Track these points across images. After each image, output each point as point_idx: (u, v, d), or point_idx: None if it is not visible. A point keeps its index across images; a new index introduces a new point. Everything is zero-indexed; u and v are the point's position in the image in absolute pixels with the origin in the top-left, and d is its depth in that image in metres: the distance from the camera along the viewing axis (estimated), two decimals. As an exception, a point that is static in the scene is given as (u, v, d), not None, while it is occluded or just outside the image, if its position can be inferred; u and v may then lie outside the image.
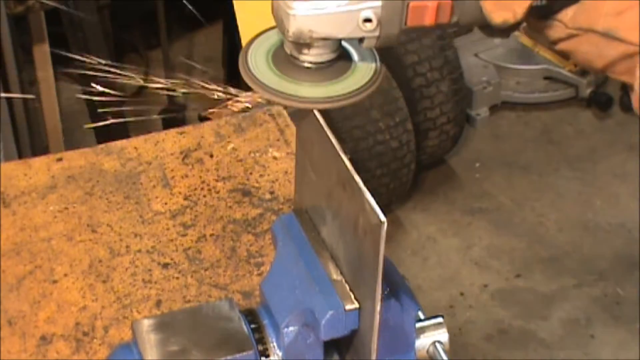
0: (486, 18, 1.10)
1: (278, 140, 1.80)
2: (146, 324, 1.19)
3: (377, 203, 1.05)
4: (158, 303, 1.50)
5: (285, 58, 1.14)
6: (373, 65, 1.15)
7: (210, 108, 3.66)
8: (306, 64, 1.12)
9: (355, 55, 1.16)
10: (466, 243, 3.54)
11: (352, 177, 1.09)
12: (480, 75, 4.06)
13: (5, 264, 1.56)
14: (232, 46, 3.89)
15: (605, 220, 3.62)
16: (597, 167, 3.88)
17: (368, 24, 1.07)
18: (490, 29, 1.12)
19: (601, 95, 4.09)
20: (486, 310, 3.27)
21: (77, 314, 1.48)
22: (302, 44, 1.10)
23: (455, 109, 3.66)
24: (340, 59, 1.14)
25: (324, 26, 1.08)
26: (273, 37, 1.17)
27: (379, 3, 1.07)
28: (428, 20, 1.08)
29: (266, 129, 1.83)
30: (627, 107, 4.14)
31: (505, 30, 1.13)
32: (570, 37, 1.11)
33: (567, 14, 1.10)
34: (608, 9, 1.08)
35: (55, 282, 1.53)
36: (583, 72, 4.06)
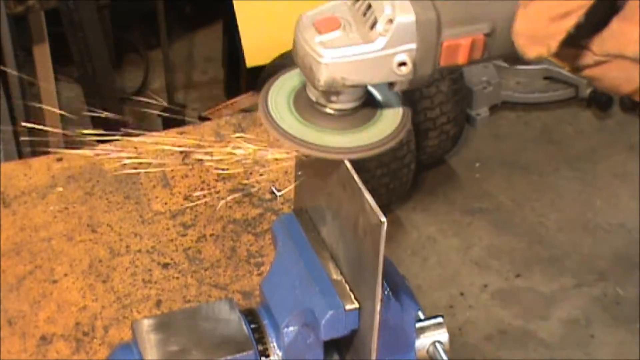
0: (519, 53, 1.07)
1: (278, 140, 1.80)
2: (146, 324, 1.19)
3: (377, 203, 1.05)
4: (158, 303, 1.50)
5: (307, 104, 1.09)
6: (399, 109, 1.12)
7: (210, 108, 3.65)
8: (334, 112, 1.08)
9: (378, 96, 1.12)
10: (466, 243, 3.54)
11: (352, 177, 1.09)
12: (480, 75, 4.06)
13: (5, 264, 1.56)
14: (232, 46, 3.89)
15: (605, 220, 3.62)
16: (597, 167, 3.88)
17: (403, 68, 1.02)
18: (516, 60, 1.11)
19: (601, 95, 4.09)
20: (486, 310, 3.27)
21: (77, 314, 1.48)
22: (332, 92, 1.05)
23: (455, 109, 3.66)
24: (367, 103, 1.10)
25: (357, 73, 1.02)
26: (291, 80, 1.13)
27: (414, 46, 1.02)
28: (461, 59, 1.04)
29: (266, 129, 1.83)
30: (627, 107, 4.14)
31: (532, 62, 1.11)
32: (598, 63, 1.10)
33: (595, 41, 1.08)
34: (637, 33, 1.07)
35: (55, 282, 1.53)
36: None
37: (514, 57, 1.09)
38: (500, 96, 4.13)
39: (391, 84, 1.06)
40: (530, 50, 1.07)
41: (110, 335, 1.45)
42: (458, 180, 3.86)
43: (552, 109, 4.17)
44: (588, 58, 1.10)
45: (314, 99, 1.08)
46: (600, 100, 4.10)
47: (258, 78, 3.67)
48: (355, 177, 1.08)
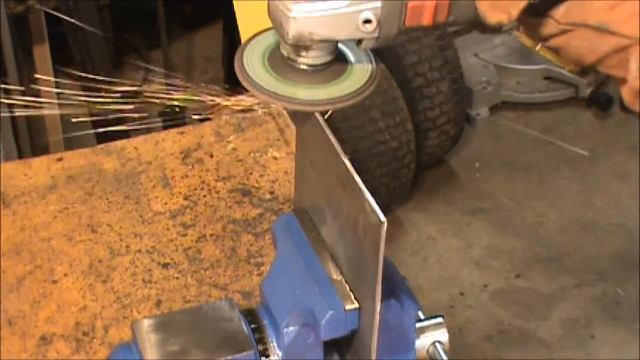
0: (481, 18, 1.10)
1: (278, 140, 1.80)
2: (146, 324, 1.19)
3: (377, 203, 1.05)
4: (158, 303, 1.50)
5: (281, 60, 1.13)
6: (369, 66, 1.15)
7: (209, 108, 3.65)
8: (303, 66, 1.12)
9: (350, 56, 1.15)
10: (466, 243, 3.54)
11: (352, 177, 1.09)
12: (480, 75, 4.06)
13: (5, 264, 1.56)
14: (232, 46, 3.89)
15: (605, 220, 3.62)
16: (597, 167, 3.88)
17: (368, 25, 1.07)
18: (484, 27, 1.13)
19: (601, 95, 4.09)
20: (486, 310, 3.27)
21: (77, 314, 1.48)
22: (301, 46, 1.09)
23: (455, 109, 3.66)
24: (336, 60, 1.14)
25: (324, 28, 1.07)
26: (268, 39, 1.16)
27: (379, 4, 1.06)
28: (426, 20, 1.08)
29: (266, 129, 1.83)
30: (627, 107, 4.13)
31: (499, 29, 1.13)
32: (562, 32, 1.12)
33: (559, 10, 1.11)
34: (601, 3, 1.09)
35: (55, 282, 1.53)
36: (583, 72, 4.06)
37: (478, 23, 1.12)
38: (500, 96, 4.13)
39: (359, 42, 1.10)
40: (491, 15, 1.10)
41: (110, 335, 1.45)
42: (458, 180, 3.86)
43: (552, 109, 4.17)
44: (552, 27, 1.12)
45: (285, 54, 1.12)
46: (600, 100, 4.10)
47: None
48: (355, 177, 1.08)
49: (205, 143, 1.81)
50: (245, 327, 1.18)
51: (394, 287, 1.17)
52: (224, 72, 4.15)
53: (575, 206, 3.69)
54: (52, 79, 3.27)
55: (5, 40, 2.94)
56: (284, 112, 1.86)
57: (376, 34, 1.08)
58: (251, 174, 1.74)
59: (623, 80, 1.12)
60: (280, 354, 1.17)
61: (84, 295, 1.51)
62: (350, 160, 1.11)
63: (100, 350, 1.43)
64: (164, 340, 1.17)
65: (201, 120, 1.87)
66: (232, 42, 3.89)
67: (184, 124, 1.82)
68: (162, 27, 3.80)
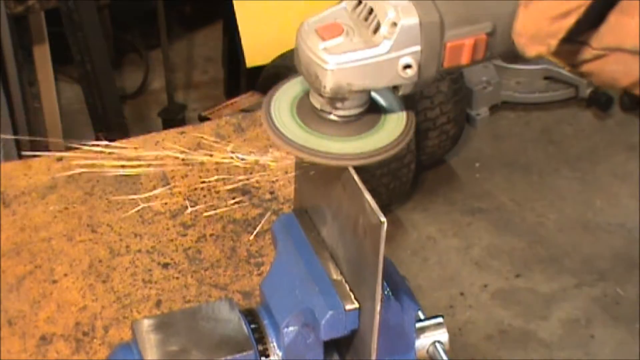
0: (519, 52, 1.07)
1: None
2: (146, 324, 1.19)
3: (377, 203, 1.05)
4: (158, 303, 1.50)
5: (311, 111, 1.09)
6: (403, 113, 1.11)
7: (210, 108, 3.65)
8: (336, 118, 1.08)
9: (382, 102, 1.11)
10: (466, 243, 3.54)
11: (352, 177, 1.09)
12: (480, 75, 4.06)
13: (5, 264, 1.56)
14: (232, 46, 3.90)
15: (605, 220, 3.62)
16: (597, 167, 3.88)
17: (409, 71, 1.02)
18: (514, 58, 1.11)
19: (601, 95, 4.09)
20: (486, 310, 3.27)
21: (77, 314, 1.48)
22: (337, 98, 1.05)
23: (455, 109, 3.66)
24: (369, 110, 1.10)
25: (363, 78, 1.02)
26: (293, 88, 1.12)
27: (419, 48, 1.01)
28: (464, 59, 1.04)
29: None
30: (627, 107, 4.14)
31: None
32: (596, 58, 1.11)
33: (593, 36, 1.09)
34: (636, 26, 1.08)
35: (55, 282, 1.53)
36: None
37: (513, 55, 1.10)
38: (500, 96, 4.13)
39: (395, 88, 1.05)
40: (530, 49, 1.07)
41: (110, 335, 1.45)
42: (458, 180, 3.86)
43: (552, 109, 4.17)
44: (586, 53, 1.11)
45: (318, 106, 1.08)
46: (600, 100, 4.10)
47: (258, 78, 3.67)
48: (355, 177, 1.08)
49: (205, 143, 1.81)
50: (245, 327, 1.18)
51: (394, 287, 1.17)
52: (224, 72, 4.15)
53: (575, 206, 3.69)
54: (52, 78, 3.28)
55: (5, 40, 2.94)
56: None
57: (415, 79, 1.03)
58: (251, 174, 1.74)
59: None
60: (280, 354, 1.17)
61: (84, 295, 1.51)
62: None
63: (100, 350, 1.43)
64: (164, 340, 1.17)
65: (201, 120, 1.87)
66: (232, 42, 3.89)
67: (184, 124, 1.82)
68: (162, 27, 3.81)
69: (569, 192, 3.76)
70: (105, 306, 1.49)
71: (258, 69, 3.70)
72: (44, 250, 1.59)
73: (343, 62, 1.01)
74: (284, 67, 3.49)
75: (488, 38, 1.05)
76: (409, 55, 1.01)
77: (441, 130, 3.65)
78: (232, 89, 3.98)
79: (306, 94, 1.10)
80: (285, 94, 1.13)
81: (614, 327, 3.21)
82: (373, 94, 1.10)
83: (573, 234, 3.56)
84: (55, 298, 1.51)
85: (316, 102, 1.08)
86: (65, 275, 1.54)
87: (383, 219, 1.03)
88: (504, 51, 1.08)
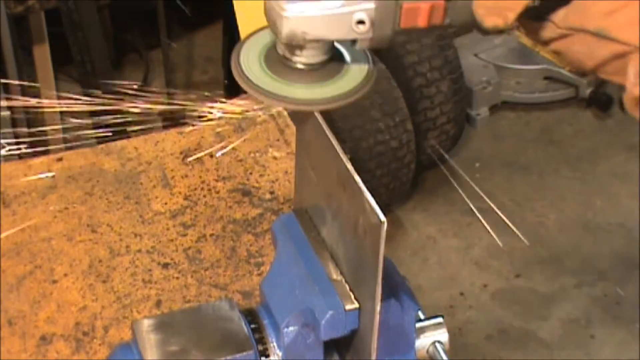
0: (477, 22, 1.10)
1: (278, 140, 1.80)
2: (146, 324, 1.19)
3: (377, 203, 1.05)
4: (158, 303, 1.50)
5: (278, 59, 1.13)
6: (366, 65, 1.15)
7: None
8: (299, 66, 1.12)
9: (347, 56, 1.15)
10: (466, 243, 3.54)
11: (352, 177, 1.09)
12: (480, 75, 4.06)
13: (5, 264, 1.56)
14: (232, 46, 3.89)
15: (605, 220, 3.62)
16: (597, 167, 3.88)
17: (361, 26, 1.06)
18: (482, 29, 1.13)
19: (601, 95, 4.09)
20: (486, 310, 3.27)
21: (77, 314, 1.48)
22: (295, 45, 1.09)
23: (455, 109, 3.66)
24: (333, 60, 1.14)
25: (317, 28, 1.07)
26: (265, 38, 1.16)
27: (372, 5, 1.06)
28: (421, 21, 1.08)
29: (266, 129, 1.83)
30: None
31: (496, 32, 1.13)
32: (561, 37, 1.11)
33: (559, 14, 1.10)
34: (599, 8, 1.08)
35: (55, 282, 1.53)
36: (583, 72, 4.05)
37: (475, 26, 1.11)
38: (500, 96, 4.13)
39: (354, 42, 1.09)
40: (488, 20, 1.09)
41: (110, 335, 1.45)
42: (458, 181, 3.86)
43: (552, 109, 4.17)
44: (552, 31, 1.12)
45: (281, 53, 1.12)
46: (600, 100, 4.10)
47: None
48: (356, 177, 1.08)
49: (205, 143, 1.81)
50: (245, 327, 1.18)
51: (394, 287, 1.17)
52: (224, 72, 4.15)
53: (575, 206, 3.69)
54: (52, 78, 3.28)
55: (5, 40, 2.94)
56: (284, 112, 1.86)
57: (370, 35, 1.07)
58: (251, 174, 1.74)
59: (623, 87, 1.12)
60: (280, 354, 1.17)
61: (84, 295, 1.51)
62: (350, 160, 1.11)
63: (100, 350, 1.43)
64: (164, 340, 1.17)
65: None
66: (232, 42, 3.89)
67: (184, 124, 1.83)
68: (162, 27, 3.80)
69: (569, 192, 3.76)
70: (105, 306, 1.49)
71: (258, 69, 3.69)
72: (44, 250, 1.59)
73: (299, 11, 1.06)
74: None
75: (446, 4, 1.07)
76: (362, 11, 1.05)
77: (441, 130, 3.65)
78: (232, 89, 3.97)
79: (274, 44, 1.14)
80: (255, 44, 1.17)
81: (614, 327, 3.21)
82: (337, 45, 1.14)
83: (573, 234, 3.56)
84: (55, 298, 1.51)
85: (280, 49, 1.13)
86: (65, 275, 1.54)
87: (383, 219, 1.03)
88: (465, 20, 1.11)
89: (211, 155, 1.79)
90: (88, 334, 1.45)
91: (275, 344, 1.17)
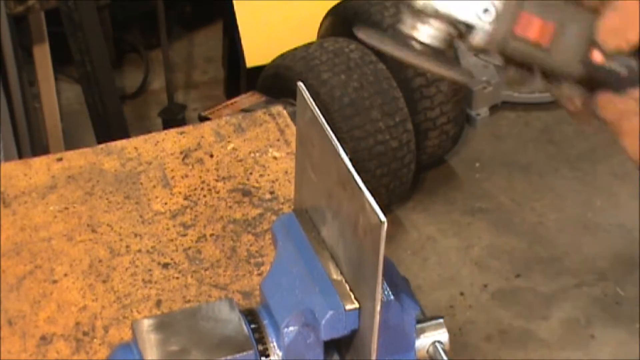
0: (598, 43, 1.15)
1: (278, 140, 1.80)
2: (146, 324, 1.19)
3: (377, 203, 1.05)
4: (158, 303, 1.50)
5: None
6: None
7: (210, 108, 3.66)
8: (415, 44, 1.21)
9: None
10: (466, 243, 3.54)
11: (352, 177, 1.09)
12: (480, 75, 4.06)
13: (5, 264, 1.56)
14: (232, 46, 3.89)
15: (605, 220, 3.62)
16: (597, 167, 3.88)
17: (485, 15, 1.17)
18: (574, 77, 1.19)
19: (601, 95, 4.08)
20: (486, 310, 3.27)
21: (77, 314, 1.48)
22: (421, 17, 1.19)
23: (455, 109, 3.66)
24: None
25: (448, 3, 1.18)
26: None
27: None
28: (532, 34, 1.17)
29: (266, 129, 1.83)
30: None
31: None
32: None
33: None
34: None
35: (55, 282, 1.53)
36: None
37: (567, 74, 1.21)
38: (500, 96, 4.13)
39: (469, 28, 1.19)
40: (611, 41, 1.14)
41: (110, 335, 1.45)
42: (458, 180, 3.86)
43: (552, 109, 4.17)
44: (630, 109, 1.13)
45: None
46: (601, 100, 4.09)
47: (258, 78, 3.67)
48: (356, 177, 1.08)
49: (205, 143, 1.81)
50: (245, 327, 1.18)
51: (394, 287, 1.17)
52: (224, 72, 4.15)
53: (575, 206, 3.69)
54: (52, 78, 3.28)
55: (5, 40, 2.94)
56: (284, 112, 1.86)
57: (489, 28, 1.17)
58: (251, 174, 1.74)
59: None
60: (280, 354, 1.17)
61: (84, 295, 1.51)
62: (350, 160, 1.11)
63: (100, 350, 1.43)
64: (164, 340, 1.17)
65: (201, 120, 1.87)
66: (232, 42, 3.89)
67: (184, 124, 1.83)
68: (162, 27, 3.81)
69: (569, 192, 3.76)
70: (105, 306, 1.49)
71: (258, 69, 3.70)
72: (44, 250, 1.59)
73: None
74: (284, 67, 3.49)
75: (556, 26, 1.17)
76: (490, 1, 1.17)
77: (441, 130, 3.65)
78: (232, 89, 3.97)
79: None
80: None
81: (614, 327, 3.21)
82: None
83: (573, 234, 3.56)
84: (55, 298, 1.51)
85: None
86: (65, 275, 1.54)
87: (383, 219, 1.03)
88: (564, 60, 1.19)
89: (211, 155, 1.79)
90: (88, 334, 1.45)
91: (275, 344, 1.17)
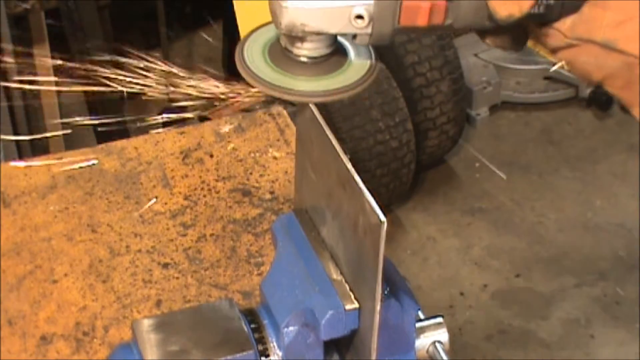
0: (491, 13, 1.08)
1: (278, 140, 1.80)
2: (146, 324, 1.19)
3: (377, 203, 1.05)
4: (158, 303, 1.50)
5: (281, 52, 1.14)
6: (368, 61, 1.15)
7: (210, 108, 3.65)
8: (301, 58, 1.13)
9: (351, 51, 1.16)
10: (466, 243, 3.54)
11: (352, 177, 1.09)
12: (480, 75, 4.06)
13: (6, 264, 1.56)
14: (232, 46, 3.89)
15: (605, 220, 3.62)
16: (597, 167, 3.88)
17: (359, 21, 1.07)
18: (491, 37, 1.11)
19: (601, 95, 4.09)
20: (486, 310, 3.27)
21: (77, 313, 1.48)
22: (296, 37, 1.10)
23: (455, 109, 3.66)
24: (336, 54, 1.14)
25: (316, 20, 1.07)
26: (270, 32, 1.17)
27: (371, 1, 1.06)
28: (421, 20, 1.07)
29: (266, 129, 1.83)
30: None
31: (514, 42, 1.11)
32: (569, 46, 1.10)
33: (566, 23, 1.09)
34: (608, 19, 1.06)
35: (55, 282, 1.53)
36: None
37: (481, 27, 1.10)
38: (500, 96, 4.13)
39: (354, 37, 1.10)
40: (501, 8, 1.07)
41: (110, 335, 1.45)
42: (458, 180, 3.86)
43: (552, 109, 4.17)
44: (559, 40, 1.10)
45: (283, 44, 1.13)
46: (600, 100, 4.10)
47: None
48: (356, 177, 1.08)
49: (205, 143, 1.81)
50: (245, 327, 1.18)
51: (394, 287, 1.17)
52: (224, 72, 4.15)
53: (575, 206, 3.69)
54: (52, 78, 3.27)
55: (5, 40, 2.94)
56: (284, 112, 1.86)
57: (369, 31, 1.07)
58: (251, 174, 1.74)
59: (631, 103, 1.10)
60: (280, 353, 1.17)
61: (84, 295, 1.51)
62: (350, 160, 1.11)
63: (100, 350, 1.43)
64: (164, 340, 1.17)
65: (201, 120, 1.87)
66: (232, 42, 3.89)
67: (184, 124, 1.83)
68: (162, 27, 3.80)
69: (569, 192, 3.76)
70: (105, 306, 1.49)
71: (258, 69, 3.69)
72: (44, 250, 1.59)
73: (298, 1, 1.07)
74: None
75: (448, 3, 1.07)
76: (361, 5, 1.06)
77: (441, 130, 3.65)
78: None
79: (278, 38, 1.16)
80: (261, 37, 1.18)
81: (614, 327, 3.21)
82: (341, 40, 1.15)
83: (573, 234, 3.56)
84: (56, 298, 1.51)
85: (282, 41, 1.13)
86: (66, 275, 1.54)
87: (383, 219, 1.03)
88: (469, 21, 1.09)
89: (211, 155, 1.79)
90: (88, 334, 1.45)
91: (275, 343, 1.17)
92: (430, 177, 3.83)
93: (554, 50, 1.12)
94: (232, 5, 3.73)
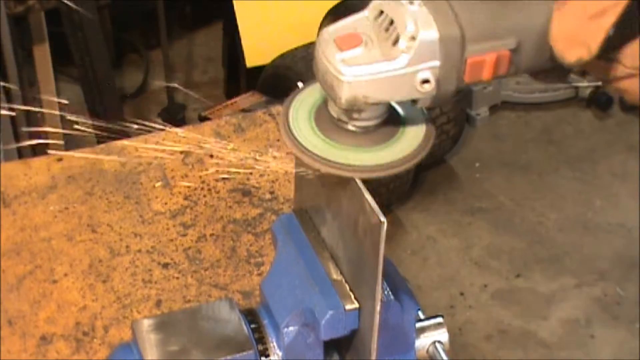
0: (558, 59, 1.03)
1: (278, 140, 1.80)
2: (146, 324, 1.19)
3: (377, 203, 1.05)
4: (158, 303, 1.50)
5: (329, 120, 1.07)
6: (423, 125, 1.10)
7: (210, 108, 3.65)
8: (353, 128, 1.06)
9: (401, 112, 1.10)
10: (466, 243, 3.54)
11: (352, 177, 1.09)
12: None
13: (5, 264, 1.56)
14: (232, 46, 3.90)
15: (605, 220, 3.62)
16: (597, 167, 3.88)
17: (426, 85, 1.00)
18: (543, 75, 1.09)
19: (601, 95, 4.09)
20: (486, 310, 3.27)
21: (77, 313, 1.48)
22: (354, 110, 1.03)
23: (455, 109, 3.67)
24: (389, 120, 1.08)
25: (380, 91, 1.00)
26: (313, 96, 1.10)
27: (437, 63, 0.99)
28: (486, 74, 1.02)
29: (266, 129, 1.83)
30: (627, 107, 4.14)
31: (562, 75, 1.09)
32: (629, 76, 1.08)
33: (626, 54, 1.05)
34: None
35: (55, 282, 1.53)
36: (583, 72, 4.05)
37: (542, 71, 1.07)
38: (500, 96, 4.13)
39: (414, 101, 1.03)
40: (570, 53, 1.03)
41: (110, 335, 1.45)
42: (458, 180, 3.86)
43: (552, 109, 4.18)
44: (619, 70, 1.07)
45: (335, 115, 1.06)
46: (600, 100, 4.10)
47: (258, 78, 3.67)
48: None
49: (205, 143, 1.81)
50: (245, 327, 1.18)
51: (394, 287, 1.17)
52: (224, 72, 4.16)
53: (575, 206, 3.69)
54: (52, 78, 3.28)
55: (5, 40, 2.94)
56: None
57: (434, 93, 1.01)
58: (251, 174, 1.74)
59: None
60: (280, 353, 1.17)
61: (84, 295, 1.51)
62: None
63: (100, 350, 1.43)
64: (164, 340, 1.17)
65: (201, 120, 1.87)
66: (232, 42, 3.89)
67: (184, 124, 1.83)
68: (162, 27, 3.81)
69: (569, 192, 3.76)
70: (105, 306, 1.49)
71: (258, 69, 3.70)
72: (44, 250, 1.59)
73: (359, 74, 0.99)
74: (284, 67, 3.49)
75: (512, 54, 1.02)
76: (427, 69, 0.99)
77: (441, 130, 3.65)
78: (232, 89, 3.98)
79: (324, 102, 1.08)
80: (305, 101, 1.11)
81: (614, 327, 3.21)
82: (393, 103, 1.08)
83: (573, 234, 3.56)
84: (56, 298, 1.51)
85: (333, 111, 1.06)
86: (66, 275, 1.55)
87: (383, 219, 1.03)
88: (531, 67, 1.05)
89: (211, 155, 1.79)
90: (88, 334, 1.45)
91: (275, 344, 1.17)
92: (430, 177, 3.83)
93: (611, 81, 1.09)
94: (232, 5, 3.73)
